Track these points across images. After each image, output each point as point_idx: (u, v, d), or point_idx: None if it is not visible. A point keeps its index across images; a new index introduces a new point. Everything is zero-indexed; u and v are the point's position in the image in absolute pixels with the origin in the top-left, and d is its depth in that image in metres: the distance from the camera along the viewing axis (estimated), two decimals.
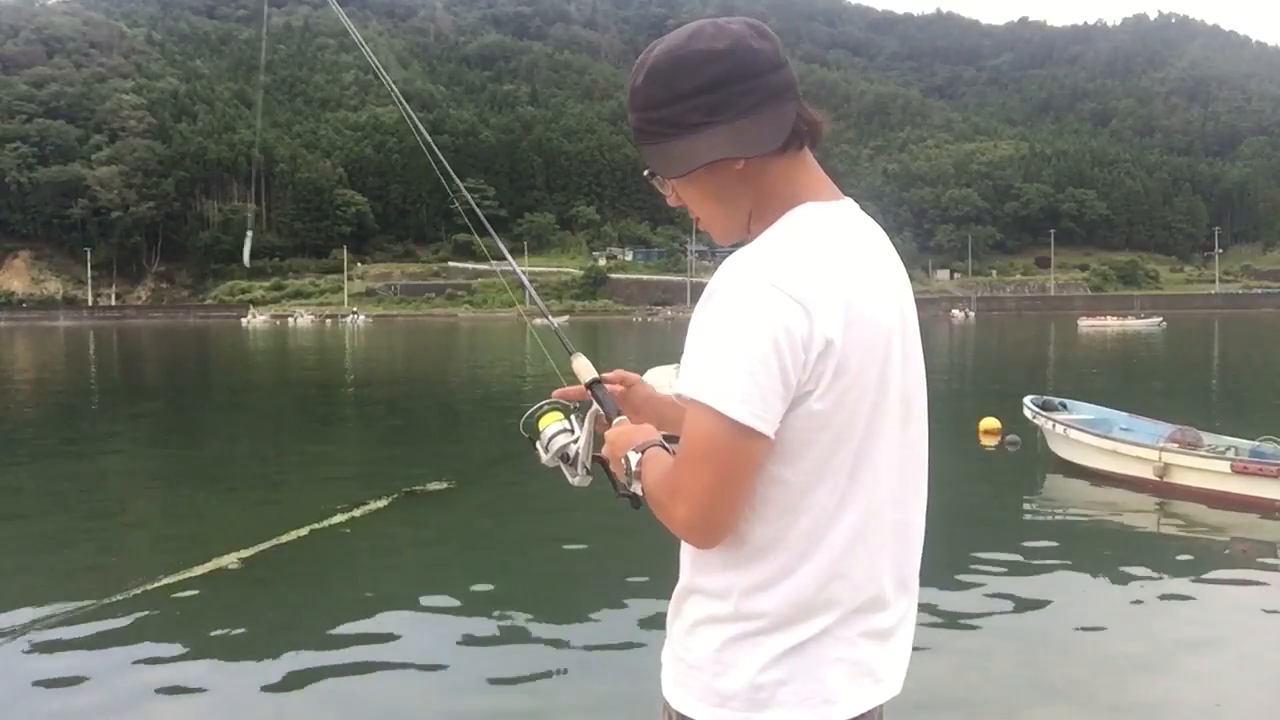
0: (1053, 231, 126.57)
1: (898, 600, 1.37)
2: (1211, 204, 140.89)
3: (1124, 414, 10.00)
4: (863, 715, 1.32)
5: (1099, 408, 10.41)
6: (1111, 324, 60.48)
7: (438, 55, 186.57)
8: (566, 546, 7.13)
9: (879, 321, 1.31)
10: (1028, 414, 10.19)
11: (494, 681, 4.44)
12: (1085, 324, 60.15)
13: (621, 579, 6.05)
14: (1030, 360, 30.93)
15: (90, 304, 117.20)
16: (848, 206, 1.40)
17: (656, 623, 4.94)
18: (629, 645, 4.85)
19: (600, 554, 6.94)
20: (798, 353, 1.22)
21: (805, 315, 1.22)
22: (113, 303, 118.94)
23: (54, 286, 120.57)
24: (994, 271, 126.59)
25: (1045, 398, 10.56)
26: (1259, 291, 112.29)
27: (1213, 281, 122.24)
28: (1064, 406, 10.31)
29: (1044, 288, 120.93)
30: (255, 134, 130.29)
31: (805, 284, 1.24)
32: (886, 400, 1.33)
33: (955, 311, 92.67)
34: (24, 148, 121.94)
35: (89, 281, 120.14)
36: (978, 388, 21.58)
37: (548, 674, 4.51)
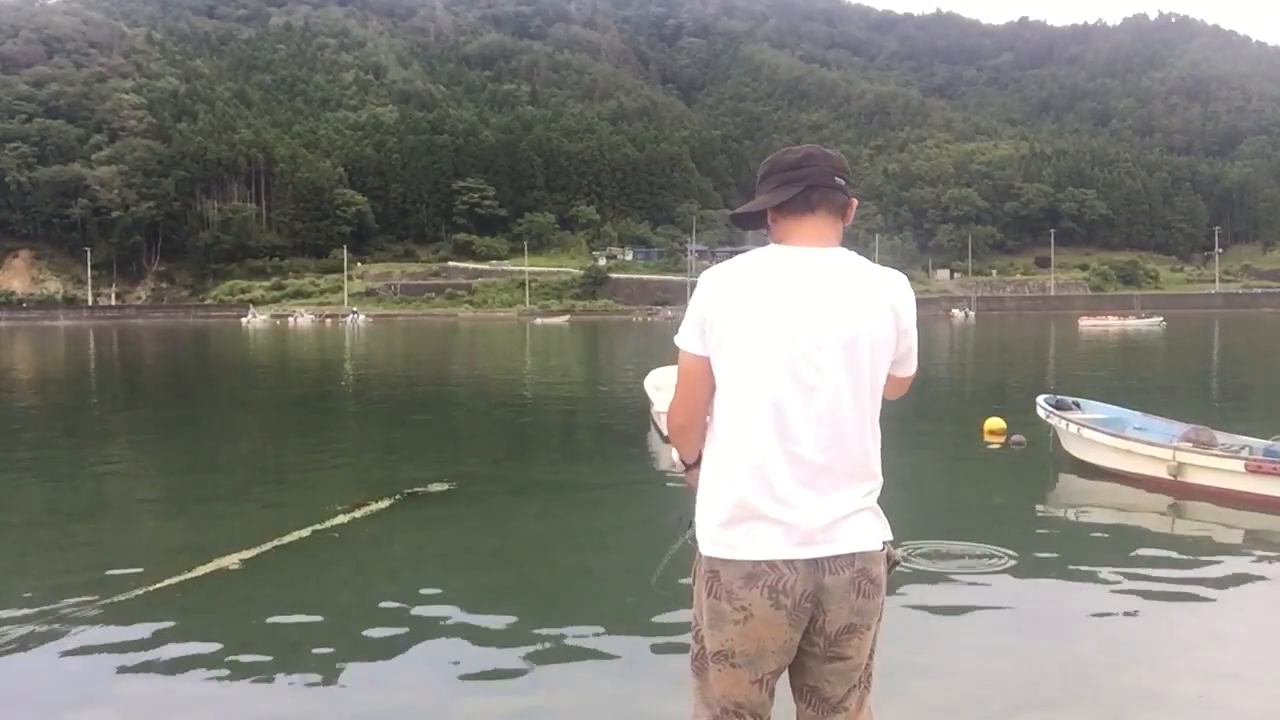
0: (1053, 231, 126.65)
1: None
2: (1211, 204, 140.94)
3: (1138, 413, 9.90)
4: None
5: (1113, 407, 10.30)
6: (1112, 324, 60.45)
7: (438, 55, 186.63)
8: (569, 547, 7.03)
9: (754, 314, 2.02)
10: (1041, 413, 10.08)
11: (495, 683, 4.36)
12: (1086, 324, 60.12)
13: (623, 580, 5.95)
14: (1032, 360, 30.85)
15: (90, 304, 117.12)
16: (810, 252, 2.08)
17: (658, 623, 4.87)
18: (630, 646, 4.76)
19: (603, 556, 6.84)
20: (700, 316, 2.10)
21: (705, 298, 2.08)
22: (113, 302, 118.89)
23: (54, 286, 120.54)
24: (994, 271, 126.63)
25: (1059, 397, 10.45)
26: (1259, 291, 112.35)
27: (1213, 281, 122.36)
28: (1077, 406, 10.20)
29: (1044, 287, 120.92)
30: (252, 134, 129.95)
31: (713, 281, 2.09)
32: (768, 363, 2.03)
33: (955, 311, 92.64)
34: (24, 147, 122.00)
35: (89, 281, 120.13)
36: (979, 388, 21.49)
37: (550, 676, 4.43)
